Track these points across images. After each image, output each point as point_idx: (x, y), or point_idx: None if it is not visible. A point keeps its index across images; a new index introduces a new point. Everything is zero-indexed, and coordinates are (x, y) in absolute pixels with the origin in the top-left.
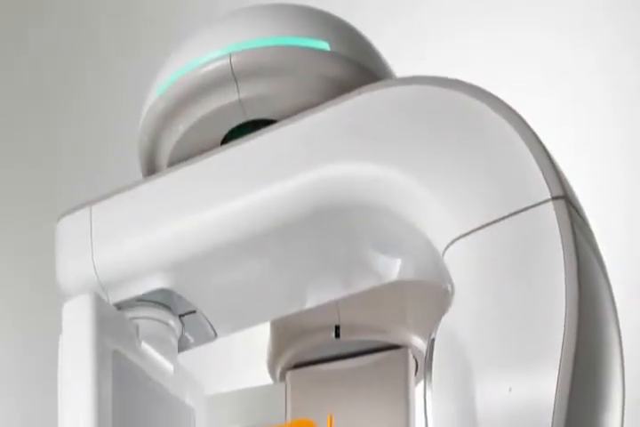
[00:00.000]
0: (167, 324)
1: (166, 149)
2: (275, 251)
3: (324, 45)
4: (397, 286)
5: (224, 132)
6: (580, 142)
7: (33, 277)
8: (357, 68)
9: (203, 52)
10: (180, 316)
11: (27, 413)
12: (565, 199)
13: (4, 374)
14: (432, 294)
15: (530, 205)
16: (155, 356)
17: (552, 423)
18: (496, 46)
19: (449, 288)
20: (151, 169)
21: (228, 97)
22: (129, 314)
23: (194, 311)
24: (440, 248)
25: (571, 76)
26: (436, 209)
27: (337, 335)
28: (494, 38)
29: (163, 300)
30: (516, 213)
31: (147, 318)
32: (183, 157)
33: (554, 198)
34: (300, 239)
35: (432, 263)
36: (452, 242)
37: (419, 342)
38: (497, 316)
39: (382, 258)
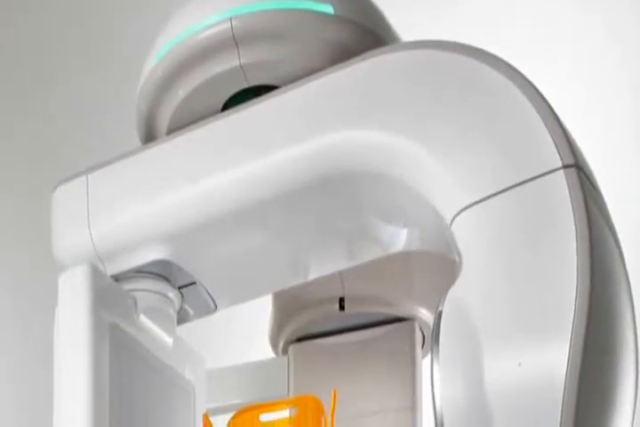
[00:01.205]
0: (166, 296)
1: (165, 116)
2: (277, 221)
3: (328, 9)
4: (403, 257)
5: (225, 98)
6: (590, 104)
7: (28, 247)
8: (362, 32)
9: (203, 17)
10: (180, 288)
11: (23, 387)
12: (577, 167)
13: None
14: (439, 266)
15: (540, 173)
16: (153, 329)
17: (563, 399)
18: (500, 8)
19: (457, 259)
20: (149, 136)
21: (228, 62)
22: (127, 286)
23: (194, 283)
24: (447, 218)
25: (578, 36)
26: (443, 177)
27: (341, 308)
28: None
29: (161, 271)
30: (525, 181)
31: (145, 290)
32: (182, 123)
33: (565, 167)
34: (302, 209)
35: (439, 233)
36: (460, 211)
37: (426, 315)
38: (506, 288)
39: (388, 228)
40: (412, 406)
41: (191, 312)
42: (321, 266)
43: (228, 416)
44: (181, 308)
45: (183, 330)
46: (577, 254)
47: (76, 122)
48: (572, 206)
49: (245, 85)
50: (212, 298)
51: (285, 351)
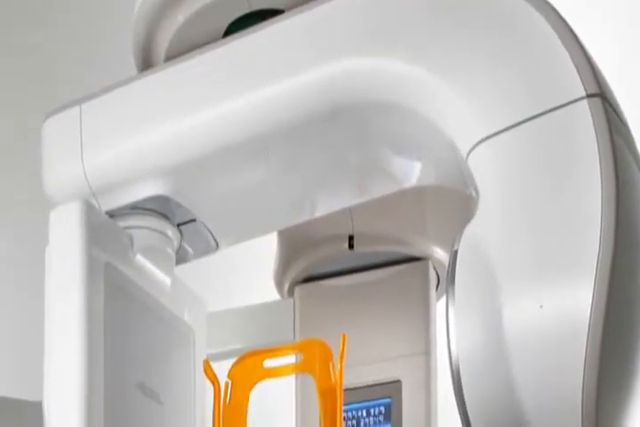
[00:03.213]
0: (164, 234)
1: (163, 43)
2: (281, 154)
3: None
4: (417, 193)
5: (226, 23)
6: (614, 31)
7: (17, 183)
8: None
9: None
10: (179, 225)
11: (15, 327)
12: (601, 97)
13: None
14: (455, 201)
15: (562, 103)
16: (151, 269)
17: (587, 343)
18: None
19: (473, 194)
20: (146, 64)
21: None
22: (122, 223)
23: (193, 220)
24: (464, 151)
25: None
26: (458, 107)
27: (350, 246)
28: None
29: (159, 208)
30: (546, 112)
31: (142, 228)
32: (181, 51)
33: (589, 96)
34: (308, 141)
35: (455, 167)
36: (477, 144)
37: (440, 254)
38: (526, 224)
39: (400, 161)
40: (426, 351)
41: (191, 251)
42: (329, 202)
43: (229, 362)
44: (180, 246)
45: (182, 270)
46: (601, 190)
47: (69, 46)
48: (597, 139)
49: (248, 10)
50: (212, 236)
51: (291, 293)
